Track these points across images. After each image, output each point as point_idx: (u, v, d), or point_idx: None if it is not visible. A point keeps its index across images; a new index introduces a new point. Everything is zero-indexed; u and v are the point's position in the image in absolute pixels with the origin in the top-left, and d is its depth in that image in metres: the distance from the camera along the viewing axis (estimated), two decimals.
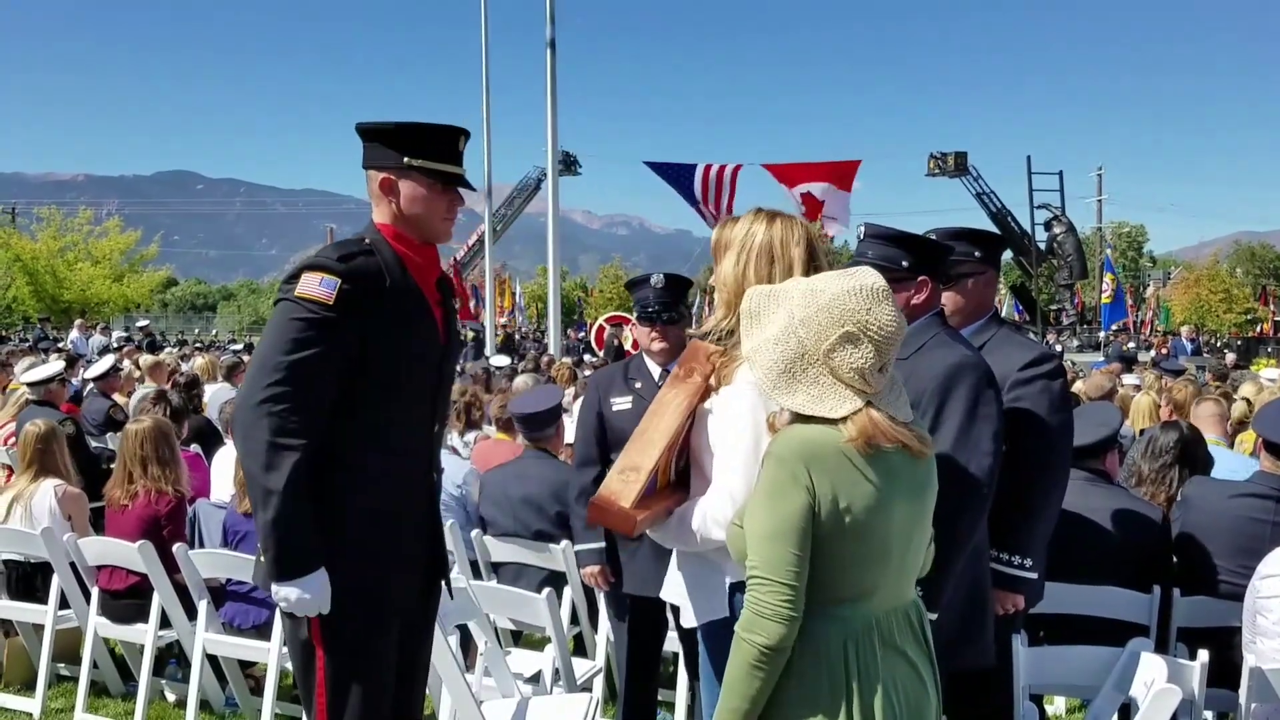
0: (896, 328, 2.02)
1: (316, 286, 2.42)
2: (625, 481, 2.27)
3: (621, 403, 3.65)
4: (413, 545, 2.64)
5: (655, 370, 3.70)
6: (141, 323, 24.95)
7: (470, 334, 25.35)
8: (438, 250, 2.74)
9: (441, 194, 2.60)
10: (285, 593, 2.39)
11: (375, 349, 2.48)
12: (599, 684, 4.21)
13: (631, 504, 2.25)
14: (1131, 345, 25.24)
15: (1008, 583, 3.02)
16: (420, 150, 2.56)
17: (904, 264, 2.89)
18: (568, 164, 34.30)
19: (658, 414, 2.37)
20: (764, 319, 2.12)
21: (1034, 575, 3.06)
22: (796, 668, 2.00)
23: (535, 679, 3.89)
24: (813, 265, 2.39)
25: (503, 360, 14.22)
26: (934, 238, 3.15)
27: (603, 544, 3.73)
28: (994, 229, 33.73)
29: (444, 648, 2.95)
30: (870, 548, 2.01)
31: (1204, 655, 3.01)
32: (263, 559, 2.43)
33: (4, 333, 27.69)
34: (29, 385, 7.56)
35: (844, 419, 2.00)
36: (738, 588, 2.19)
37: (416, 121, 2.57)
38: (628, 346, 15.35)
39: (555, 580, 4.38)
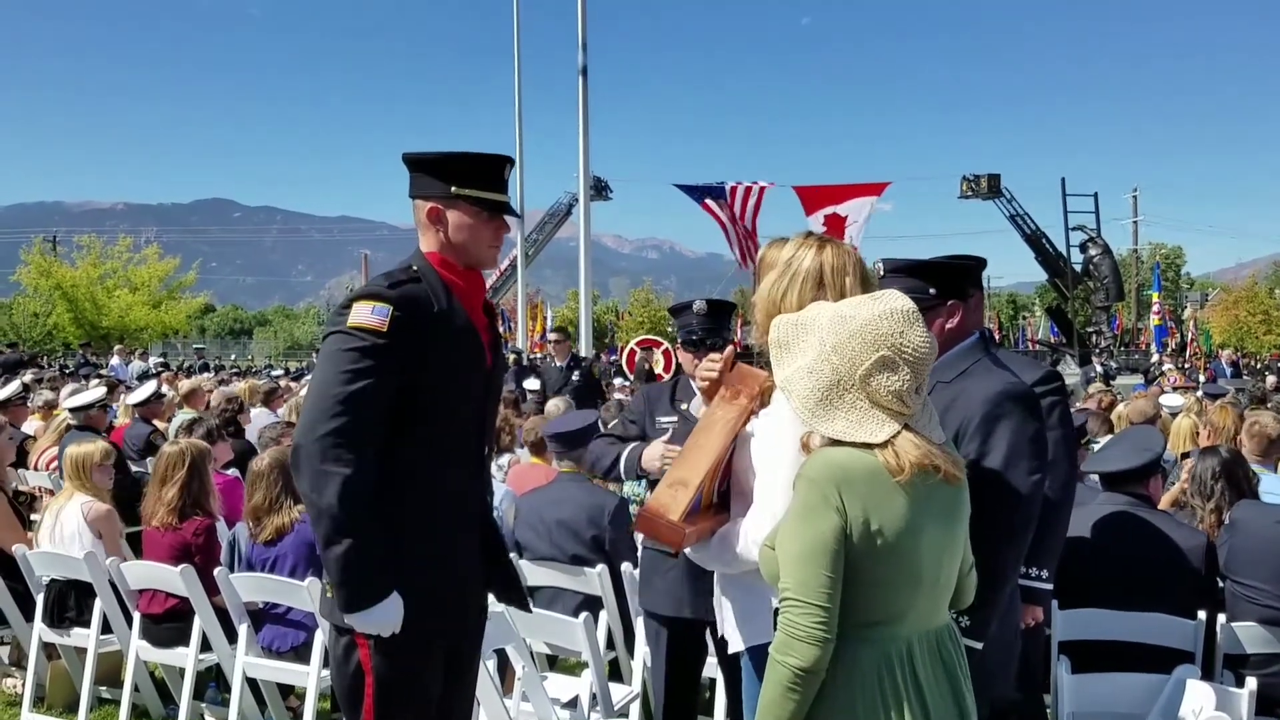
0: (930, 349, 2.04)
1: (369, 315, 2.44)
2: (674, 495, 2.28)
3: (666, 421, 3.63)
4: (465, 566, 2.64)
5: None
6: (197, 346, 25.41)
7: (511, 356, 25.50)
8: (483, 276, 2.78)
9: (488, 222, 2.64)
10: (356, 622, 2.40)
11: (426, 372, 2.50)
12: (636, 709, 4.19)
13: (680, 517, 2.26)
14: (1154, 362, 24.88)
15: (1028, 595, 3.06)
16: (467, 179, 2.59)
17: (930, 291, 2.89)
18: (599, 189, 34.42)
19: (706, 430, 2.37)
20: (794, 348, 2.13)
21: (1050, 586, 3.16)
22: (830, 690, 1.99)
23: (572, 704, 3.88)
24: (865, 291, 2.34)
25: (534, 384, 14.23)
26: (941, 259, 3.09)
27: None
28: (1029, 251, 33.32)
29: (482, 672, 2.96)
30: (901, 571, 2.01)
31: (1252, 682, 2.97)
32: (329, 593, 2.45)
33: (44, 360, 28.17)
34: (71, 411, 7.69)
35: (882, 444, 2.00)
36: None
37: (463, 151, 2.60)
38: (658, 370, 15.33)
39: (591, 604, 4.37)
